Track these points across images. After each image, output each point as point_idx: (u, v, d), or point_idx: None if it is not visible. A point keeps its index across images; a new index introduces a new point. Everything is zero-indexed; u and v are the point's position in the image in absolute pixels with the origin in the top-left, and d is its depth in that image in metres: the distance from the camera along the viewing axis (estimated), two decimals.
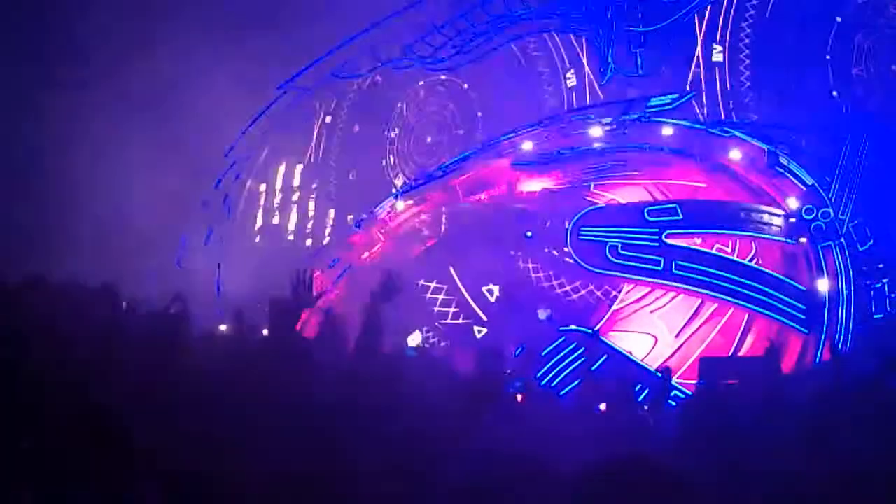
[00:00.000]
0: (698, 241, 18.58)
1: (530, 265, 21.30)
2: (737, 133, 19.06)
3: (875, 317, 16.95)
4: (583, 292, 20.45)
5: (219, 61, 22.81)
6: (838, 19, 18.91)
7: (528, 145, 21.55)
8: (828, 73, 19.08)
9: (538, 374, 16.22)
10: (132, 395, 5.05)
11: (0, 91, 21.19)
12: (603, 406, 8.84)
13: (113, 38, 23.08)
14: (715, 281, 17.60)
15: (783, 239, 17.95)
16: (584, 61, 22.32)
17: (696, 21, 20.71)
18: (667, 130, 19.64)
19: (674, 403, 10.40)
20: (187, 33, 22.63)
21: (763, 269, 17.88)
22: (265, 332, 9.16)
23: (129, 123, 22.80)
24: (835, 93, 18.92)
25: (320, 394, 5.76)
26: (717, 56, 20.49)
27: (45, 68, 22.53)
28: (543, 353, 17.16)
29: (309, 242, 26.75)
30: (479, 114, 24.46)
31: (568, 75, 22.68)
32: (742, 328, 17.94)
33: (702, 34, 20.62)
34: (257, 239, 28.10)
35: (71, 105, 22.18)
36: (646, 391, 11.87)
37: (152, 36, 23.12)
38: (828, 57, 19.05)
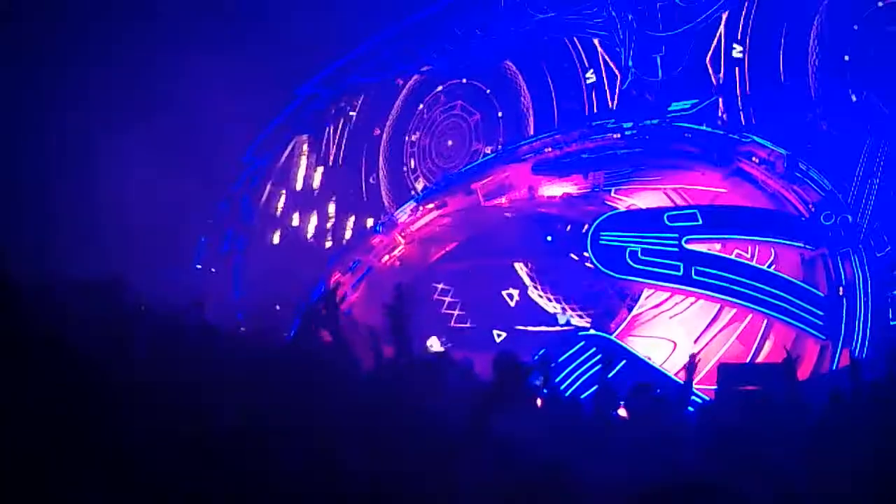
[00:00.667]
0: (718, 246, 18.58)
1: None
2: (756, 138, 19.06)
3: (892, 323, 16.90)
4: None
5: (232, 65, 22.94)
6: (855, 27, 18.83)
7: (548, 150, 21.62)
8: (846, 77, 19.01)
9: (557, 379, 16.24)
10: (146, 401, 5.10)
11: (6, 96, 21.25)
12: (623, 412, 8.89)
13: (117, 43, 23.18)
14: (734, 287, 17.57)
15: (802, 245, 17.93)
16: (604, 66, 22.35)
17: (717, 26, 20.71)
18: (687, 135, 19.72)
19: (692, 409, 10.42)
20: (198, 37, 22.71)
21: (782, 274, 17.87)
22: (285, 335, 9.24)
23: (141, 127, 22.93)
24: (854, 97, 18.83)
25: (346, 398, 5.83)
26: (737, 60, 20.46)
27: (50, 73, 22.61)
28: (562, 358, 17.18)
29: (328, 245, 26.84)
30: (501, 118, 24.51)
31: (588, 79, 22.70)
32: (760, 334, 17.94)
33: (722, 39, 20.61)
34: (276, 241, 28.20)
35: (78, 108, 22.29)
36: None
37: (161, 40, 23.19)
38: (846, 58, 18.97)
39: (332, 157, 28.12)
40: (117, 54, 23.21)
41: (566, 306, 21.33)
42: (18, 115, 21.57)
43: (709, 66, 20.65)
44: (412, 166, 26.08)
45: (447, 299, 23.32)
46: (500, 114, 24.53)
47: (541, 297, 22.13)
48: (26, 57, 22.22)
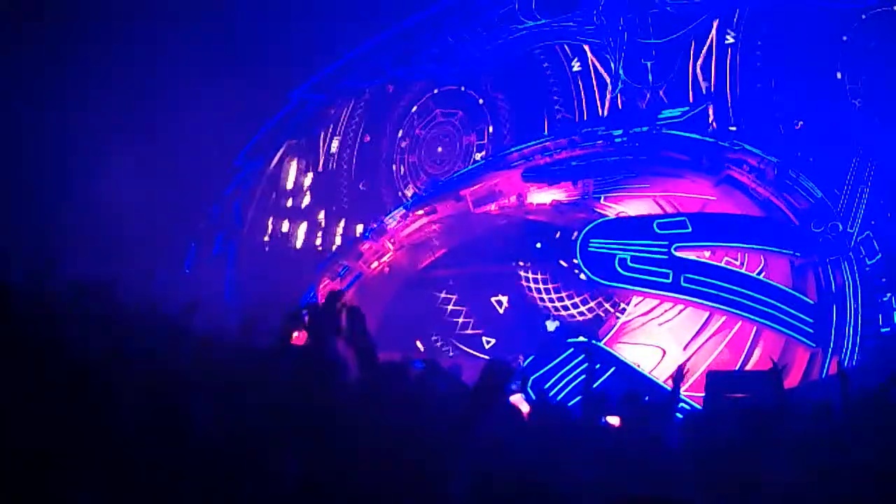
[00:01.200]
0: (707, 253, 18.57)
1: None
2: (746, 146, 19.07)
3: (882, 331, 16.91)
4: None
5: (226, 69, 22.91)
6: (844, 38, 18.88)
7: (538, 157, 21.61)
8: (837, 85, 19.02)
9: (546, 386, 16.23)
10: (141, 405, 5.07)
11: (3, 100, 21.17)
12: (613, 419, 8.87)
13: (115, 45, 23.12)
14: (723, 294, 17.56)
15: (792, 252, 17.93)
16: (595, 73, 22.34)
17: (707, 34, 20.72)
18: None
19: (680, 416, 10.40)
20: (191, 41, 22.64)
21: (771, 282, 17.85)
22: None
23: (132, 130, 22.90)
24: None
25: (332, 406, 5.79)
26: (727, 67, 20.46)
27: (43, 76, 22.53)
28: (551, 365, 17.17)
29: (318, 251, 26.77)
30: (490, 125, 24.50)
31: (579, 86, 22.69)
32: (750, 341, 17.92)
33: (713, 47, 20.62)
34: (266, 246, 28.12)
35: (68, 111, 22.22)
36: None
37: (154, 42, 23.10)
38: (837, 68, 19.01)
39: (322, 163, 28.06)
40: (114, 57, 23.15)
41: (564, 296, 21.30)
42: (9, 120, 21.50)
43: (699, 73, 20.66)
44: (402, 173, 26.04)
45: (438, 306, 23.30)
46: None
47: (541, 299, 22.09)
48: (21, 60, 22.18)
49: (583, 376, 16.18)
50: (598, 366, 14.72)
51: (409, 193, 25.30)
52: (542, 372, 17.12)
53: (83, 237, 20.86)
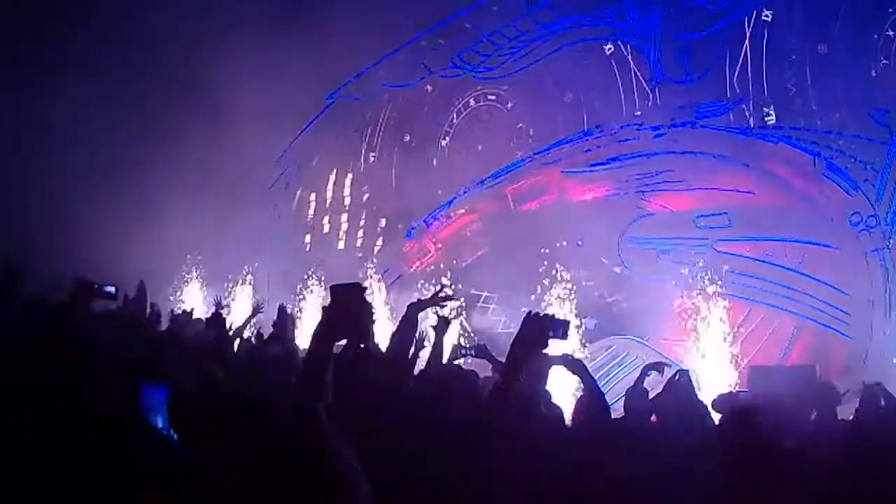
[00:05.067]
0: (747, 248, 18.56)
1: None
2: (784, 139, 19.04)
3: None
4: None
5: (263, 70, 23.04)
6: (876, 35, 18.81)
7: (579, 153, 21.65)
8: (873, 77, 18.95)
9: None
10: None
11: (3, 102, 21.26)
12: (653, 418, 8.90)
13: (151, 43, 23.28)
14: (763, 289, 17.56)
15: (830, 245, 17.89)
16: (633, 69, 22.31)
17: (744, 27, 20.67)
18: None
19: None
20: (230, 39, 22.67)
21: (810, 275, 17.83)
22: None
23: (175, 131, 23.12)
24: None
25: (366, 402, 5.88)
26: (764, 60, 20.41)
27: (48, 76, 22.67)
28: (593, 363, 17.20)
29: (360, 254, 26.80)
30: (529, 122, 24.48)
31: (617, 82, 22.65)
32: (791, 335, 17.91)
33: (749, 41, 20.56)
34: (308, 248, 28.20)
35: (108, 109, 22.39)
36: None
37: (186, 35, 23.07)
38: (873, 73, 18.94)
39: (361, 163, 28.12)
40: (153, 55, 23.34)
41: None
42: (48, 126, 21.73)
43: (736, 67, 20.63)
44: (442, 172, 26.01)
45: (479, 305, 23.31)
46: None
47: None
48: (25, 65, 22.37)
49: (626, 373, 16.28)
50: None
51: (449, 192, 25.30)
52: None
53: (126, 242, 21.05)
